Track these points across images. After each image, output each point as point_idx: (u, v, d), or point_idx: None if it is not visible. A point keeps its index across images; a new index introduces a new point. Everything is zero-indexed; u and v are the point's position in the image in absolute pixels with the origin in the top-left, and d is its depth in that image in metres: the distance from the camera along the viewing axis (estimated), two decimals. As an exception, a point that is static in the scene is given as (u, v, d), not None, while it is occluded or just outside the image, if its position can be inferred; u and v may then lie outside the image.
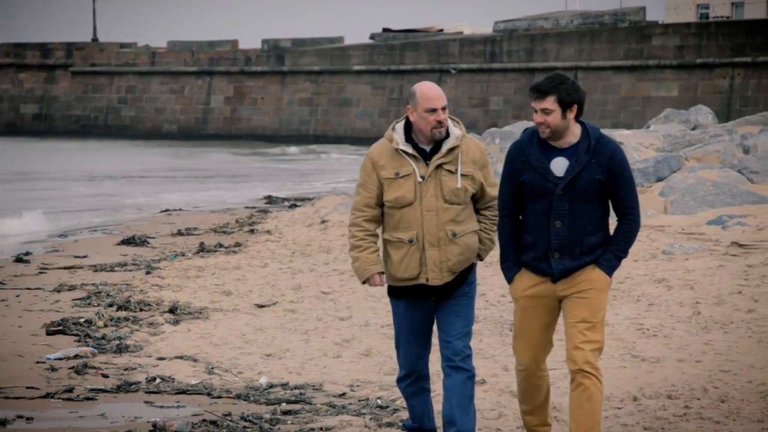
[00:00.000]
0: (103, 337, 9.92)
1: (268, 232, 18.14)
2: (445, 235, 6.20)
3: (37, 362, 9.03)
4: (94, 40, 68.84)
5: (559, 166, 5.93)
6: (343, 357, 9.11)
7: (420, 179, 6.20)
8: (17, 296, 12.38)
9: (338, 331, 10.02)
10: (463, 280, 6.31)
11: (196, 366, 8.92)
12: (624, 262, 12.32)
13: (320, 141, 59.16)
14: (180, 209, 24.76)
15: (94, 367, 8.81)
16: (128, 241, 17.47)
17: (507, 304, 10.59)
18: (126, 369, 8.79)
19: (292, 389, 8.14)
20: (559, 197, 5.90)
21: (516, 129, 18.83)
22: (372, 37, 61.64)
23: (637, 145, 18.47)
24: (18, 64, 67.44)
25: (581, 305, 5.94)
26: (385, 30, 62.11)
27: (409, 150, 6.25)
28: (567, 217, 5.90)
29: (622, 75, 52.12)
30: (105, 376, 8.56)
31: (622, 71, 52.10)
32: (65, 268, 14.69)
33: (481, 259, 6.42)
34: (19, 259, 15.58)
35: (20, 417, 7.45)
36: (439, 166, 6.21)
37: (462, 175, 6.21)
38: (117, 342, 9.71)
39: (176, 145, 58.42)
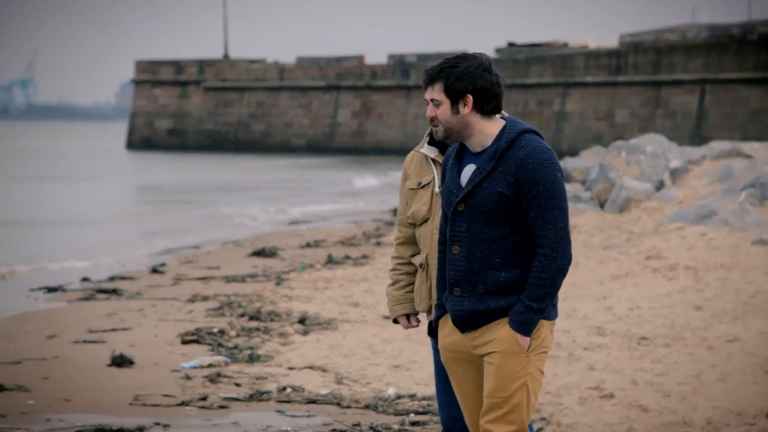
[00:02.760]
0: (235, 347, 10.14)
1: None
2: None
3: (173, 371, 9.27)
4: (226, 56, 70.09)
5: (466, 175, 4.57)
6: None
7: (438, 190, 5.05)
8: (153, 306, 12.71)
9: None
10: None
11: (325, 376, 9.06)
12: (754, 272, 12.04)
13: (445, 155, 59.16)
14: (308, 222, 25.10)
15: (227, 376, 9.01)
16: (259, 253, 17.77)
17: (635, 318, 10.53)
18: (258, 378, 8.97)
19: (420, 400, 8.22)
20: (457, 215, 4.52)
21: (643, 142, 18.67)
22: (497, 51, 61.54)
23: (769, 159, 18.14)
24: (153, 81, 69.02)
25: (488, 374, 4.54)
26: (510, 44, 61.97)
27: (433, 154, 5.12)
28: (465, 241, 4.50)
29: (751, 88, 51.17)
30: (237, 385, 8.75)
31: (751, 84, 51.15)
32: (198, 278, 15.02)
33: None
34: (155, 270, 16.00)
35: (157, 424, 7.67)
36: None
37: None
38: (249, 352, 9.91)
39: (304, 158, 59.09)
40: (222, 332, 10.76)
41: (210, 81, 67.28)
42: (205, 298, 13.11)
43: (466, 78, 4.47)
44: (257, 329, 10.90)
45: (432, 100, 4.54)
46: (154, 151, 66.43)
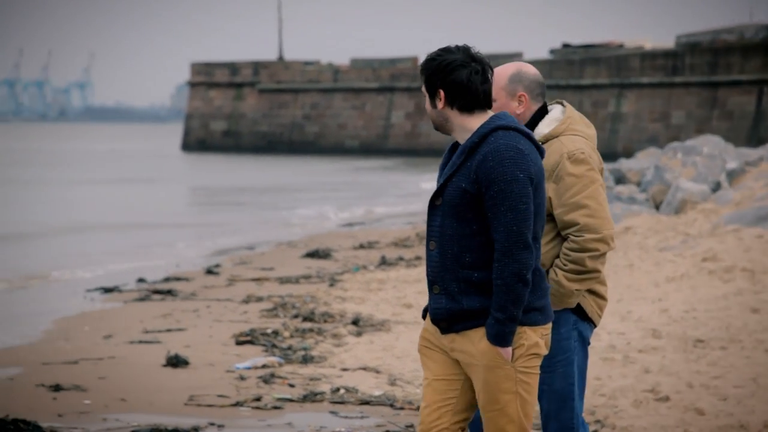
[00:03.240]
0: (289, 348, 10.18)
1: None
2: None
3: (227, 371, 9.32)
4: (280, 58, 70.42)
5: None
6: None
7: None
8: (208, 307, 12.79)
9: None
10: None
11: (378, 377, 9.07)
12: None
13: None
14: (362, 223, 25.15)
15: (281, 377, 9.05)
16: (312, 254, 17.83)
17: (691, 320, 10.45)
18: (311, 379, 8.99)
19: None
20: (433, 209, 4.43)
21: (699, 143, 18.52)
22: (551, 52, 61.32)
23: (828, 160, 17.93)
24: (208, 83, 69.52)
25: (477, 389, 4.43)
26: (565, 45, 61.72)
27: None
28: (438, 237, 4.39)
29: (811, 87, 50.60)
30: (291, 385, 8.78)
31: (811, 83, 50.58)
32: (253, 279, 15.10)
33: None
34: (209, 271, 16.10)
35: (212, 424, 7.71)
36: None
37: None
38: (302, 353, 9.94)
39: (358, 160, 59.21)
40: (276, 333, 10.81)
41: (264, 83, 67.60)
42: (259, 299, 13.17)
43: (439, 73, 4.34)
44: (311, 330, 10.94)
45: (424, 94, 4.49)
46: (209, 153, 66.90)
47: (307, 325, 11.26)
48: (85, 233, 24.00)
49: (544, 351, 4.42)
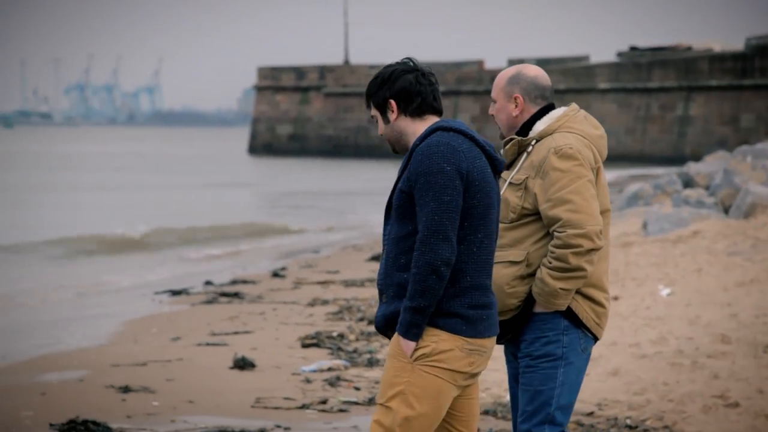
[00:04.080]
0: (354, 351, 10.20)
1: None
2: None
3: (293, 374, 9.36)
4: (346, 62, 70.62)
5: None
6: (591, 375, 9.08)
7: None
8: (274, 309, 12.86)
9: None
10: (525, 333, 4.70)
11: (444, 381, 9.05)
12: None
13: (566, 160, 58.93)
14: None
15: (347, 380, 9.07)
16: (377, 258, 17.87)
17: (761, 325, 10.31)
18: (377, 382, 9.00)
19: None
20: (385, 217, 4.38)
21: (770, 147, 18.26)
22: (618, 54, 60.91)
23: None
24: (274, 87, 69.92)
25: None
26: (632, 48, 61.29)
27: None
28: (386, 243, 4.33)
29: None
30: (357, 388, 8.80)
31: None
32: (318, 283, 15.16)
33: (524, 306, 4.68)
34: (275, 274, 16.19)
35: (278, 426, 7.75)
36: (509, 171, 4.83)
37: (510, 183, 4.70)
38: (368, 356, 9.96)
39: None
40: (341, 336, 10.84)
41: (330, 86, 67.83)
42: (325, 302, 13.22)
43: (385, 85, 4.30)
44: (376, 333, 10.95)
45: (372, 117, 4.41)
46: (275, 157, 67.26)
47: (373, 328, 11.28)
48: (154, 237, 24.23)
49: (466, 368, 4.21)
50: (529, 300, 4.66)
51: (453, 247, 4.14)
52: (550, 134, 4.68)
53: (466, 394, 4.33)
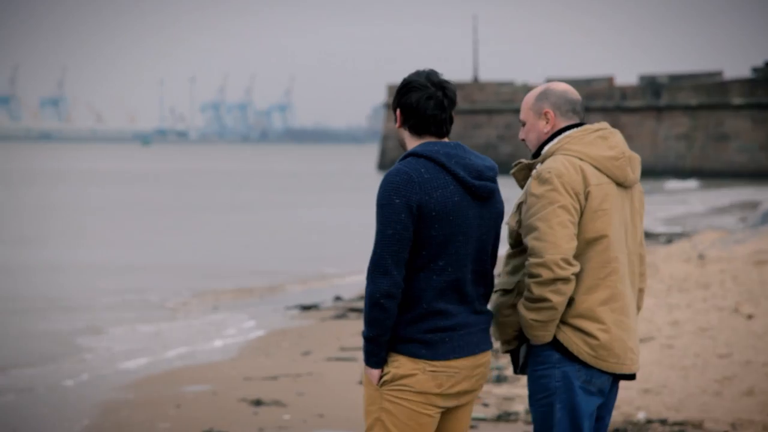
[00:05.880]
0: (483, 368, 10.20)
1: (645, 268, 17.97)
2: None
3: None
4: (475, 79, 70.66)
5: None
6: (724, 395, 8.94)
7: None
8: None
9: (718, 369, 9.83)
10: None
11: (573, 399, 8.99)
12: None
13: (697, 175, 57.87)
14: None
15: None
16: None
17: None
18: (505, 399, 9.00)
19: (671, 425, 8.08)
20: None
21: None
22: (753, 70, 59.74)
23: None
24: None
25: None
26: (768, 62, 60.06)
27: (513, 170, 4.82)
28: None
29: None
30: (485, 405, 8.80)
31: None
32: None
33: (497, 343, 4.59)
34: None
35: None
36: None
37: (516, 207, 4.57)
38: (496, 372, 9.96)
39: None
40: (470, 353, 10.84)
41: (459, 104, 67.91)
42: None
43: (398, 93, 4.36)
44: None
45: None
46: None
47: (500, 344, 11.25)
48: (289, 250, 24.54)
49: (436, 390, 4.24)
50: None
51: (393, 279, 4.15)
52: (550, 156, 4.50)
53: (455, 416, 4.35)
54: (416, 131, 4.33)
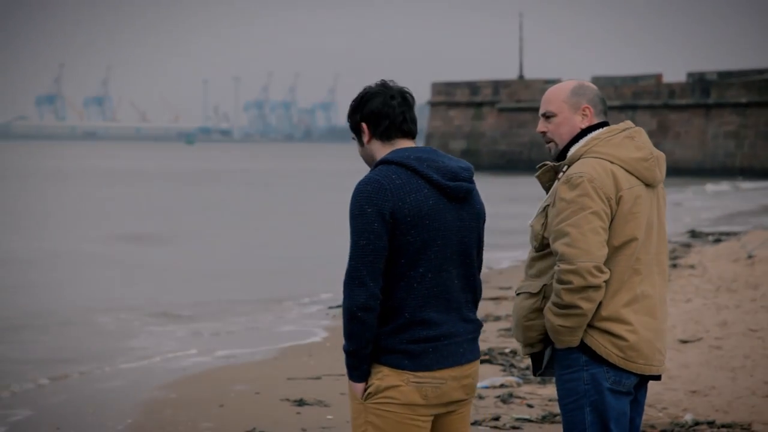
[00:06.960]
0: (527, 368, 10.13)
1: (692, 266, 17.83)
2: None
3: (466, 389, 9.34)
4: (520, 77, 70.45)
5: None
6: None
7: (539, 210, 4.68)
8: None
9: (767, 370, 9.71)
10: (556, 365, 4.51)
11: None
12: None
13: (746, 174, 57.36)
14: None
15: (519, 397, 9.01)
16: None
17: None
18: (550, 400, 8.93)
19: (719, 427, 7.98)
20: None
21: None
22: (803, 66, 59.18)
23: None
24: (448, 102, 70.28)
25: None
26: (818, 58, 59.50)
27: (538, 173, 4.76)
28: None
29: None
30: (530, 406, 8.74)
31: None
32: (491, 299, 15.13)
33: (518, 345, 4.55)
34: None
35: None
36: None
37: (542, 209, 4.52)
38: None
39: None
40: (514, 353, 10.78)
41: (504, 102, 67.75)
42: (497, 318, 13.17)
43: (357, 107, 4.26)
44: (550, 351, 10.86)
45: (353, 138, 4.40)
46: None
47: (546, 345, 11.19)
48: (328, 250, 24.60)
49: (422, 401, 4.17)
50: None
51: (370, 290, 4.07)
52: (578, 159, 4.43)
53: (449, 421, 4.29)
54: (387, 136, 4.23)
